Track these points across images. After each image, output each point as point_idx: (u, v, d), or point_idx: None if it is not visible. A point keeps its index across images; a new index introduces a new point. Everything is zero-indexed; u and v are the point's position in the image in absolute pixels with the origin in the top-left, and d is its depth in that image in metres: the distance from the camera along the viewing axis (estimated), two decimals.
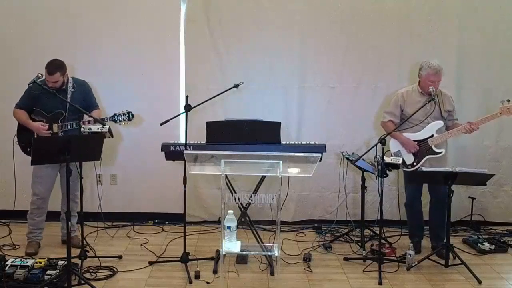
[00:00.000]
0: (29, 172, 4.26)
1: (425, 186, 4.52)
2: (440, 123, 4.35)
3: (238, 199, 3.52)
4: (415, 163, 4.37)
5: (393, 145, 4.42)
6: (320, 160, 3.60)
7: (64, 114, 4.21)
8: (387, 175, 4.10)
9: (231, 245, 3.24)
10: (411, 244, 4.22)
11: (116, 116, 4.26)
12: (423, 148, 4.35)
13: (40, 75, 4.08)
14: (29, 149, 4.15)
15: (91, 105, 4.38)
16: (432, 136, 4.33)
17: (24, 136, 4.26)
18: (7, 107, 4.38)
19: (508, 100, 4.11)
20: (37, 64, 4.21)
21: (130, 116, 4.30)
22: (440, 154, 4.34)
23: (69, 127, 4.22)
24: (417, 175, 4.30)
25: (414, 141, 4.35)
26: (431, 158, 4.34)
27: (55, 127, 4.22)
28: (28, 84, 4.09)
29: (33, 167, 4.22)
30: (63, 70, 4.16)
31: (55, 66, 4.11)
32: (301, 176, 4.37)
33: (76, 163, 3.91)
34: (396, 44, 5.04)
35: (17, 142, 4.32)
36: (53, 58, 4.16)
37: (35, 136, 4.15)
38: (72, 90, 4.24)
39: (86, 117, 4.19)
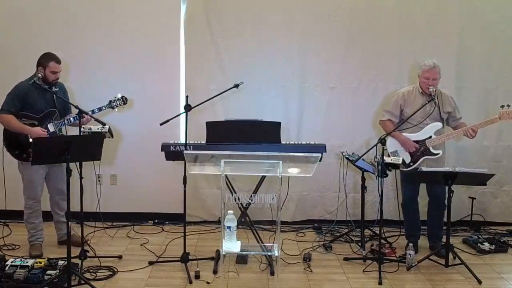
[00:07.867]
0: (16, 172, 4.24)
1: (422, 187, 4.52)
2: (439, 125, 4.34)
3: (238, 199, 3.52)
4: (411, 163, 4.37)
5: (390, 144, 4.40)
6: (320, 160, 3.60)
7: (57, 112, 4.17)
8: (387, 175, 4.10)
9: (231, 245, 3.24)
10: (411, 244, 4.21)
11: (112, 102, 4.28)
12: (420, 149, 4.35)
13: (40, 74, 4.03)
14: (24, 155, 4.09)
15: (68, 107, 4.30)
16: (430, 137, 4.33)
17: (15, 143, 4.11)
18: None
19: (508, 105, 4.11)
20: (34, 64, 4.15)
21: (125, 100, 4.33)
22: (438, 155, 4.34)
23: (66, 122, 4.18)
24: (417, 175, 4.30)
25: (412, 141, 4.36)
26: (428, 159, 4.34)
27: (51, 127, 4.16)
28: (28, 83, 4.05)
29: (23, 173, 4.19)
30: None
31: (57, 55, 4.10)
32: (301, 176, 4.35)
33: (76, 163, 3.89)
34: (396, 44, 5.04)
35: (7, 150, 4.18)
36: None
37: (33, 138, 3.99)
38: (56, 89, 4.18)
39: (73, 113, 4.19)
